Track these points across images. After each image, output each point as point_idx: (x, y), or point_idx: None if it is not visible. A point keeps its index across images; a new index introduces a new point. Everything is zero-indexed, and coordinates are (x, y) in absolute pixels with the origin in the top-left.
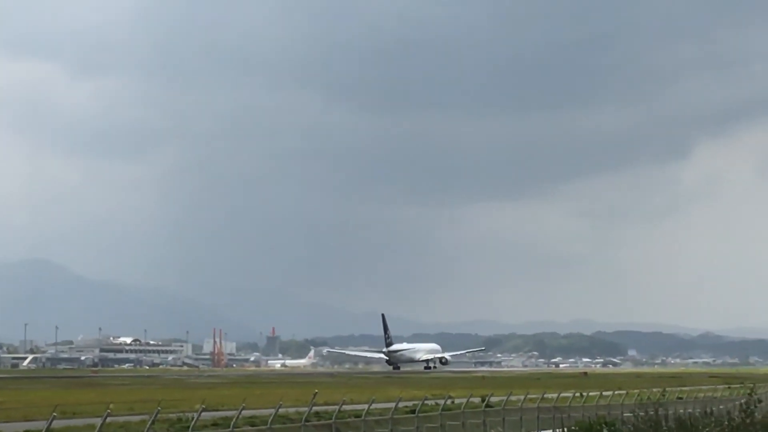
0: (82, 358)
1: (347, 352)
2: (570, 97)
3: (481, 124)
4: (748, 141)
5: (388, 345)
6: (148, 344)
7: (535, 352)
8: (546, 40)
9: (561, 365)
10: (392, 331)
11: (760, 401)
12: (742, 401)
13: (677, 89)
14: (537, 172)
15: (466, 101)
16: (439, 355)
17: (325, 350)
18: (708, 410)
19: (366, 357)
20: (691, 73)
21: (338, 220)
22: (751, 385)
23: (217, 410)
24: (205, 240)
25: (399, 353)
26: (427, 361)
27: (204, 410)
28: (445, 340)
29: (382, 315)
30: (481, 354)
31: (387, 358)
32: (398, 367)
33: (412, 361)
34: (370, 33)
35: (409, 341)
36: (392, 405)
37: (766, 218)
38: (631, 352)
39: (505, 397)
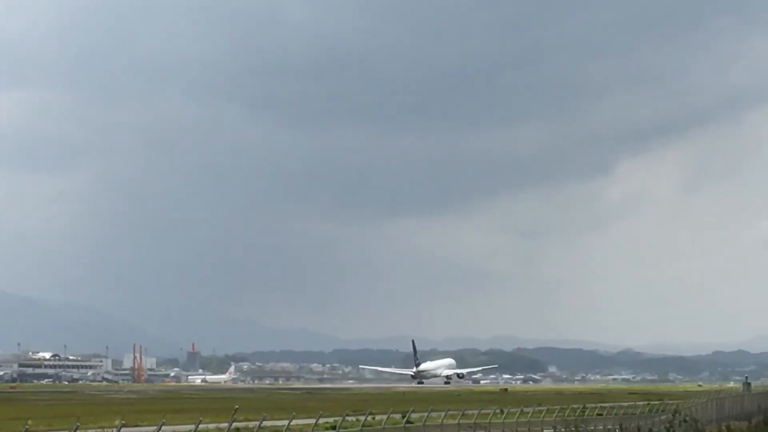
0: (0, 373)
1: (379, 369)
2: (493, 114)
3: (403, 140)
4: (669, 158)
5: (417, 365)
6: (67, 359)
7: None
8: (469, 57)
9: (482, 381)
10: (313, 348)
11: (685, 421)
12: (662, 416)
13: (600, 106)
14: (460, 188)
15: (389, 117)
16: (458, 371)
17: (366, 368)
18: (627, 426)
19: (396, 373)
20: (614, 91)
21: (259, 236)
22: (673, 402)
23: (137, 426)
24: (126, 256)
25: (426, 371)
26: (447, 376)
27: (123, 426)
28: (367, 357)
29: (413, 341)
30: None
31: (414, 375)
32: (422, 382)
33: (435, 377)
34: (292, 49)
35: (330, 357)
36: (313, 421)
37: (685, 236)
38: (552, 369)
39: (425, 414)
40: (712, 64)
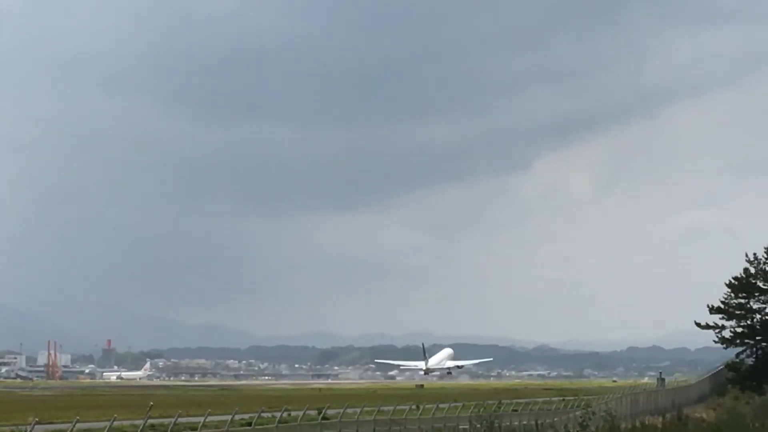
0: None
1: (393, 362)
2: (409, 110)
3: (320, 135)
4: (586, 154)
5: (426, 363)
6: None
7: (372, 365)
8: (383, 52)
9: (398, 378)
10: (229, 344)
11: (594, 414)
12: (578, 413)
13: (518, 101)
14: (375, 184)
15: (306, 113)
16: (457, 363)
17: (381, 361)
18: (543, 422)
19: (409, 367)
20: (531, 86)
21: (174, 232)
22: (586, 397)
23: (51, 423)
24: (38, 252)
25: (434, 367)
26: (449, 368)
27: (37, 423)
28: (283, 353)
29: (422, 344)
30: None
31: (424, 370)
32: (428, 373)
33: (441, 369)
34: (205, 41)
35: (246, 354)
36: (228, 417)
37: (601, 231)
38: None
39: (341, 410)
40: (629, 60)
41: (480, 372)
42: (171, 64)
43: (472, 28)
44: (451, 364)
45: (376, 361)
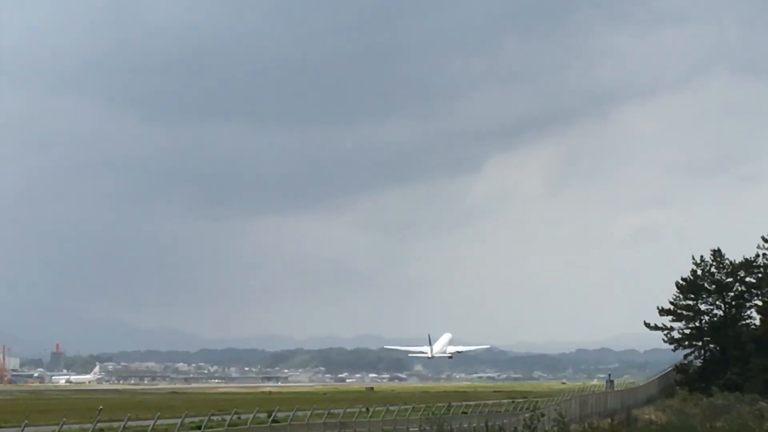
0: None
1: (401, 348)
2: (361, 110)
3: (269, 136)
4: (537, 155)
5: (432, 349)
6: None
7: (322, 368)
8: (338, 51)
9: (348, 380)
10: (178, 347)
11: (543, 415)
12: (527, 416)
13: (469, 103)
14: (326, 186)
15: (257, 114)
16: (458, 348)
17: (390, 347)
18: (492, 424)
19: (416, 354)
20: (483, 87)
21: (123, 234)
22: (537, 400)
23: (0, 427)
24: None
25: (438, 352)
26: (451, 353)
27: None
28: (233, 356)
29: (428, 335)
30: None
31: (430, 355)
32: (432, 358)
33: (443, 354)
34: (155, 40)
35: (196, 357)
36: (178, 421)
37: (551, 233)
38: (418, 367)
39: (291, 413)
40: (580, 61)
41: (430, 375)
42: (120, 65)
43: (419, 29)
44: (453, 349)
45: (385, 347)
